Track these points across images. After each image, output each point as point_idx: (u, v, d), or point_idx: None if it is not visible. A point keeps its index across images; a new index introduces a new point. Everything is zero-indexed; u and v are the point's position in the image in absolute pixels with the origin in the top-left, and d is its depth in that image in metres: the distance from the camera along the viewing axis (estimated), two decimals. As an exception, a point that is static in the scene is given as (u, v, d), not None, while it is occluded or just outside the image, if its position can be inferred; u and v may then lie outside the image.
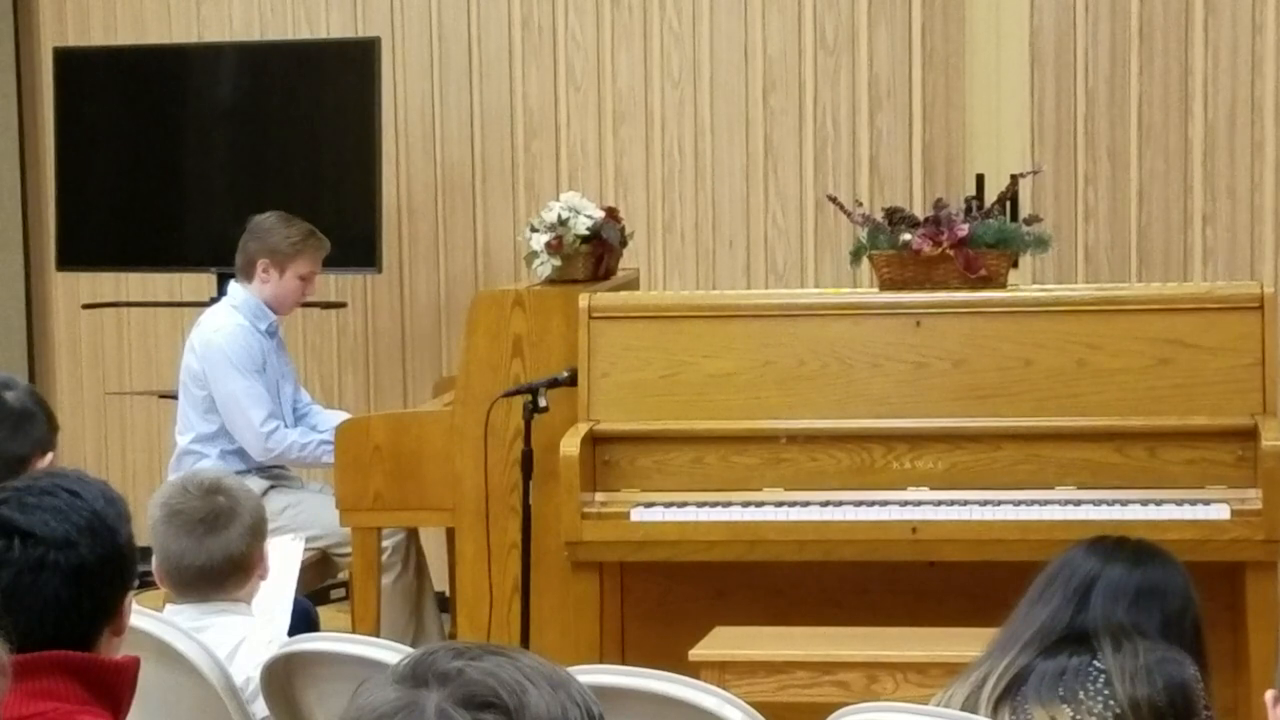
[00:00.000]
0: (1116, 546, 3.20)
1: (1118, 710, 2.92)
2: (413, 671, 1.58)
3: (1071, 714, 2.94)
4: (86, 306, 7.24)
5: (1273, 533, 4.74)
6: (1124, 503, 4.82)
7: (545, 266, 5.43)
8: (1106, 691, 2.93)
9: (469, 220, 7.02)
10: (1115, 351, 4.97)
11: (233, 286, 6.00)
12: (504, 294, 5.44)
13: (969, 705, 3.01)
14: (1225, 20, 6.28)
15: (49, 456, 3.94)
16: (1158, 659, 2.96)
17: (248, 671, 3.47)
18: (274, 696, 3.40)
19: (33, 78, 7.45)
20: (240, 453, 5.87)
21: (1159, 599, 3.10)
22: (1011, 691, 3.01)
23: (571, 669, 2.71)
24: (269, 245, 5.91)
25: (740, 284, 6.69)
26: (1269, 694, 2.52)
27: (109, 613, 2.36)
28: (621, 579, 5.19)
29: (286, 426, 5.88)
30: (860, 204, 5.69)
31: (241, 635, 3.59)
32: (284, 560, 3.99)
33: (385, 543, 5.58)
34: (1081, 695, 2.94)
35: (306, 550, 5.49)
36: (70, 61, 6.99)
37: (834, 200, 5.57)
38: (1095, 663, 2.98)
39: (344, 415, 5.88)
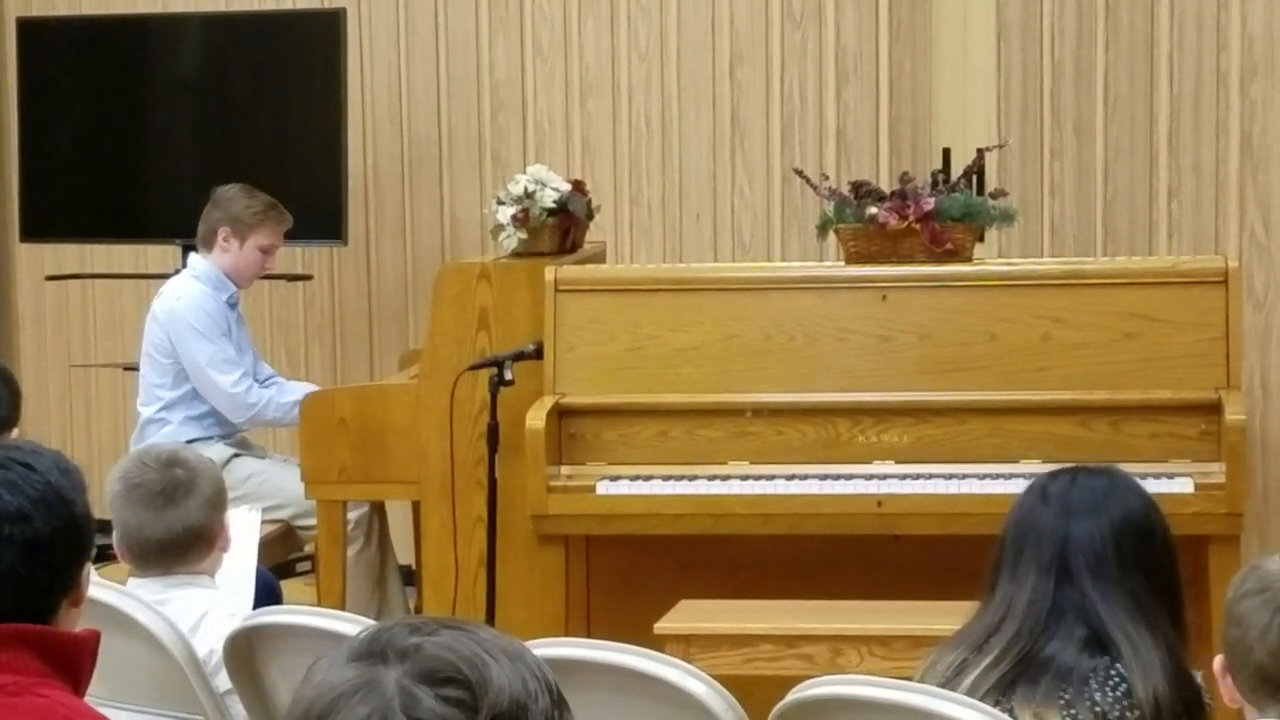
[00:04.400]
0: (1070, 489, 3.08)
1: (1139, 713, 2.87)
2: (369, 649, 1.56)
3: (1064, 714, 2.90)
4: (51, 278, 7.21)
5: (1235, 506, 4.76)
6: (1088, 476, 4.83)
7: (511, 239, 5.42)
8: (1126, 701, 2.89)
9: (435, 193, 7.00)
10: (1080, 325, 4.98)
11: (193, 258, 6.00)
12: (470, 266, 5.43)
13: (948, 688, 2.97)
14: (1191, -6, 6.29)
15: (14, 432, 3.92)
16: (1165, 658, 2.92)
17: (211, 644, 3.46)
18: (237, 669, 3.39)
19: (-4, 48, 7.41)
20: (201, 420, 5.87)
21: (1132, 534, 3.02)
22: (1001, 687, 2.95)
23: (536, 642, 2.71)
24: (231, 214, 5.92)
25: (707, 257, 6.68)
26: (1217, 662, 2.54)
27: (66, 585, 2.34)
28: (587, 552, 5.19)
29: None
30: (827, 177, 5.69)
31: (205, 608, 3.58)
32: (243, 532, 3.98)
33: (349, 517, 5.58)
34: (1098, 697, 2.89)
35: (270, 523, 5.49)
36: (33, 32, 6.94)
37: (800, 174, 5.57)
38: (1118, 666, 2.93)
39: (310, 387, 5.86)
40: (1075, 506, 3.06)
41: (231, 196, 5.96)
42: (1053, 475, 3.16)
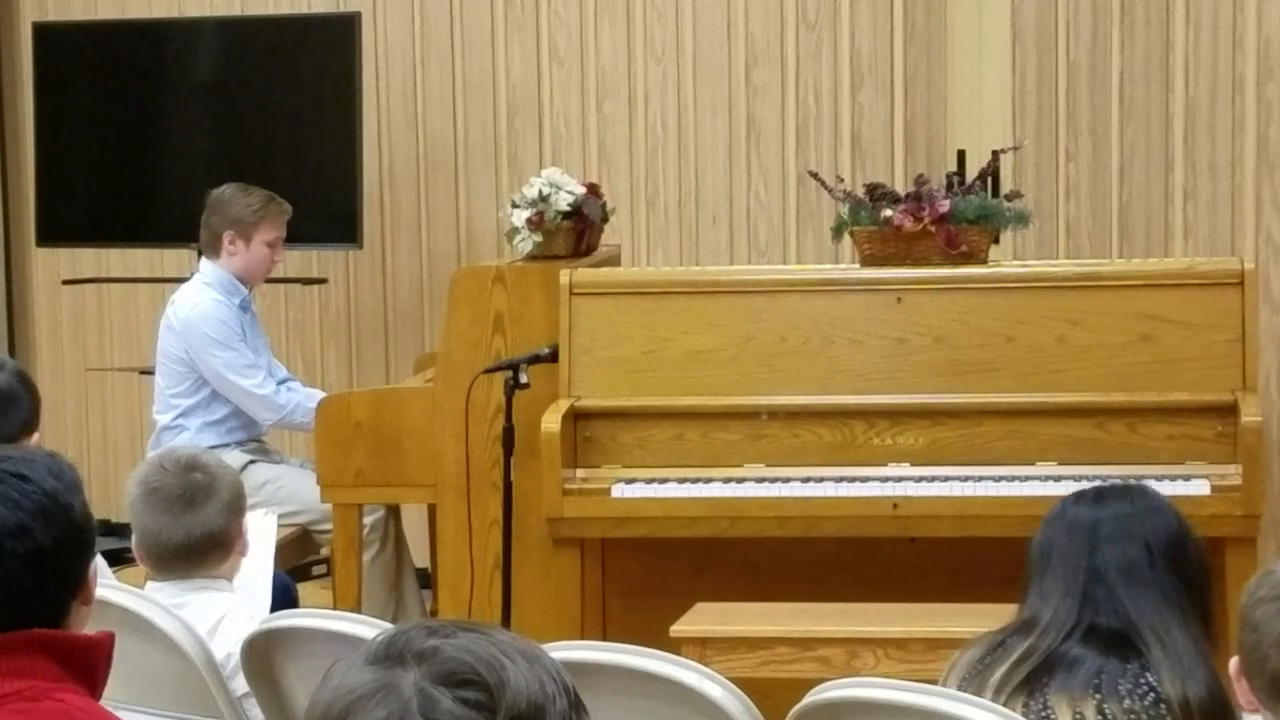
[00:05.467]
0: (1094, 516, 3.07)
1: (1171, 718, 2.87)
2: (387, 651, 1.57)
3: (1097, 704, 2.90)
4: (67, 282, 7.22)
5: (1252, 508, 4.76)
6: (1104, 478, 4.81)
7: (526, 242, 5.43)
8: (1154, 710, 2.88)
9: (451, 196, 7.00)
10: (1096, 327, 4.98)
11: (202, 263, 5.99)
12: (485, 270, 5.43)
13: (970, 687, 2.97)
14: (1207, -5, 6.29)
15: (35, 436, 3.92)
16: (1196, 658, 2.91)
17: (228, 648, 3.46)
18: (254, 672, 3.39)
19: (12, 53, 7.42)
20: (217, 426, 5.88)
21: (1164, 546, 3.00)
22: (1035, 678, 2.94)
23: (552, 645, 2.71)
24: (231, 216, 5.90)
25: (722, 260, 6.68)
26: (1232, 664, 2.53)
27: (74, 588, 2.33)
28: (603, 555, 5.19)
29: None
30: (842, 180, 5.69)
31: (222, 612, 3.58)
32: (260, 536, 3.98)
33: (364, 520, 5.58)
34: (1128, 704, 2.89)
35: (287, 527, 5.50)
36: (50, 36, 6.96)
37: (815, 176, 5.57)
38: (1147, 675, 2.92)
39: (322, 394, 5.86)
40: (1102, 533, 3.05)
41: (229, 198, 5.94)
42: (1075, 498, 3.13)
